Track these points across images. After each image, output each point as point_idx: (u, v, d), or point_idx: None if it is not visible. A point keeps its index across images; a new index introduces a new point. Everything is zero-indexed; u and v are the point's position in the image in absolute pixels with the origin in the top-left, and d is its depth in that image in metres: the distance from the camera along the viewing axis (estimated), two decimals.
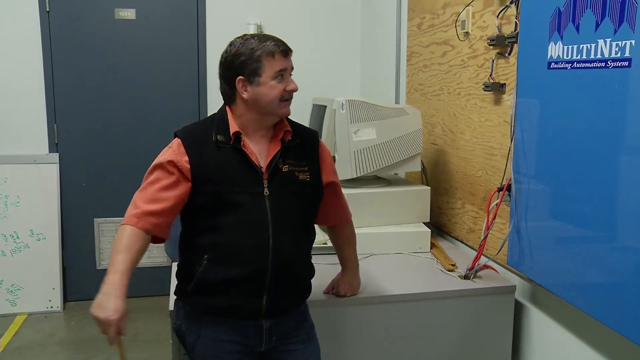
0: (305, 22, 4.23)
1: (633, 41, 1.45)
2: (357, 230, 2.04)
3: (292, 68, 1.73)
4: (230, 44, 1.72)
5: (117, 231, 1.65)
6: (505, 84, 2.26)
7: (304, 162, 1.78)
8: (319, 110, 2.80)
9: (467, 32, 2.54)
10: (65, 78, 4.04)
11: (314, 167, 1.80)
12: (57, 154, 4.09)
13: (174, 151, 1.68)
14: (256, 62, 1.66)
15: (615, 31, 1.50)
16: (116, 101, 4.13)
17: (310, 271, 1.85)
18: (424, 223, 2.62)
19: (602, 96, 1.57)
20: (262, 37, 1.70)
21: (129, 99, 4.14)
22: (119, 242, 1.61)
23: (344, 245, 2.02)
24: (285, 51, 1.69)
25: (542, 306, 2.10)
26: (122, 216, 1.65)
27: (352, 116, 2.53)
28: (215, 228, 1.67)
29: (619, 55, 1.49)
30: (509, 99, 2.21)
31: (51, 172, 4.07)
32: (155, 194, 1.65)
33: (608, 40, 1.53)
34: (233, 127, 1.71)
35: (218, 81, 1.76)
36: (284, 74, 1.69)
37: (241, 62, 1.67)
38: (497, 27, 2.26)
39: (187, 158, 1.66)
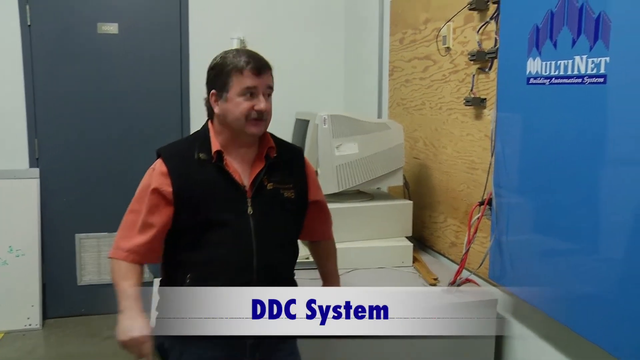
0: (289, 36, 4.25)
1: (608, 58, 1.47)
2: (339, 245, 2.04)
3: (270, 87, 1.70)
4: (214, 58, 1.73)
5: (110, 263, 1.68)
6: (485, 98, 2.28)
7: (289, 179, 1.77)
8: (302, 125, 2.81)
9: (448, 48, 2.56)
10: (47, 92, 4.01)
11: (299, 185, 1.79)
12: (38, 169, 4.04)
13: (156, 176, 1.67)
14: (225, 77, 1.65)
15: (591, 48, 1.52)
16: (98, 116, 4.10)
17: (293, 281, 1.85)
18: (406, 237, 2.62)
19: (579, 111, 1.59)
20: (240, 53, 1.67)
21: (112, 114, 4.12)
22: (118, 273, 1.64)
23: (326, 259, 2.01)
24: (258, 69, 1.65)
25: (524, 319, 2.10)
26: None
27: (334, 131, 2.53)
28: (199, 246, 1.67)
29: (594, 71, 1.52)
30: (489, 113, 2.23)
31: (31, 187, 4.02)
32: (141, 224, 1.66)
33: (584, 56, 1.55)
34: (215, 145, 1.69)
35: (201, 95, 1.76)
36: (253, 92, 1.65)
37: (214, 76, 1.68)
38: (478, 42, 2.28)
39: (169, 181, 1.65)
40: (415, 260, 2.57)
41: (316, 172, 2.29)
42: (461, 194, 2.49)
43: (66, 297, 4.13)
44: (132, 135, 4.14)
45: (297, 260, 1.88)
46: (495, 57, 2.14)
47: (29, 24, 3.92)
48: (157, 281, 1.91)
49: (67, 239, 4.15)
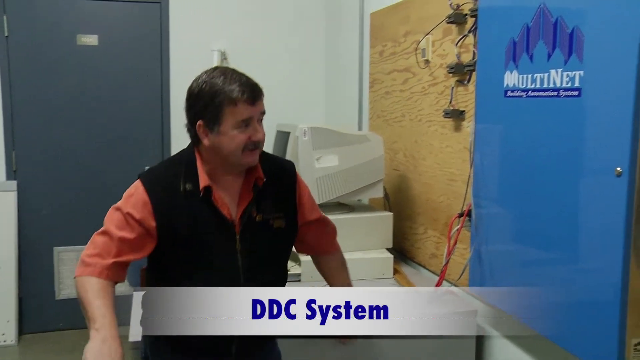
0: (270, 48, 4.25)
1: (582, 72, 1.50)
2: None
3: (263, 112, 1.59)
4: (195, 79, 1.58)
5: (79, 281, 1.52)
6: (464, 111, 2.30)
7: (279, 206, 1.67)
8: (283, 137, 2.81)
9: (427, 60, 2.59)
10: (25, 104, 3.96)
11: (290, 212, 1.71)
12: (16, 181, 3.99)
13: (138, 205, 1.54)
14: (217, 109, 1.51)
15: (566, 62, 1.55)
16: (77, 128, 4.06)
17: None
18: (386, 249, 2.63)
19: (555, 124, 1.61)
20: (229, 78, 1.53)
21: (91, 126, 4.08)
22: (90, 290, 1.47)
23: (337, 271, 1.91)
24: (253, 98, 1.53)
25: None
26: (84, 244, 1.56)
27: (314, 143, 2.54)
28: (184, 283, 1.55)
29: (569, 85, 1.54)
30: (468, 125, 2.25)
31: (9, 200, 3.96)
32: (119, 247, 1.53)
33: (559, 70, 1.57)
34: (203, 180, 1.57)
35: (182, 107, 1.62)
36: (249, 122, 1.54)
37: (202, 106, 1.53)
38: (456, 55, 2.31)
39: (152, 216, 1.54)
40: (395, 272, 2.57)
41: None
42: (441, 205, 2.50)
43: (43, 311, 4.06)
44: (111, 148, 4.11)
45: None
46: (474, 70, 2.16)
47: (6, 34, 3.88)
48: (137, 294, 1.89)
49: (45, 252, 4.09)
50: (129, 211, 1.54)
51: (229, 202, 1.61)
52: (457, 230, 2.15)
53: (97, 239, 1.56)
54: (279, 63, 4.28)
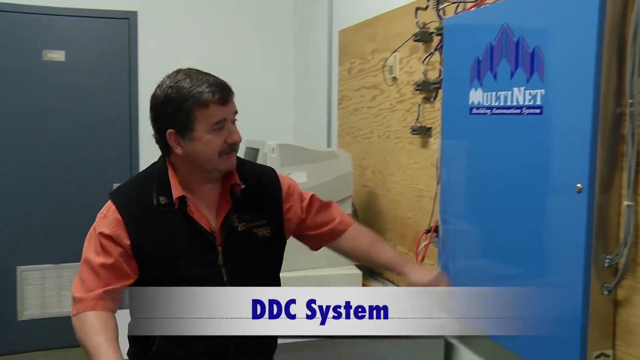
0: (240, 64, 4.25)
1: (543, 90, 1.53)
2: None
3: (236, 112, 1.49)
4: (159, 86, 1.48)
5: (73, 322, 1.43)
6: (431, 127, 2.33)
7: (262, 213, 1.56)
8: (252, 153, 2.81)
9: (394, 77, 2.62)
10: None
11: (275, 218, 1.59)
12: None
13: (110, 222, 1.46)
14: (186, 114, 1.41)
15: (528, 80, 1.58)
16: (43, 145, 3.98)
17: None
18: (355, 265, 2.63)
19: (518, 141, 1.64)
20: (195, 79, 1.43)
21: (57, 143, 4.01)
22: (89, 327, 1.39)
23: (370, 248, 1.70)
24: (224, 98, 1.43)
25: (471, 346, 2.13)
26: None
27: (283, 160, 2.54)
28: None
29: (531, 103, 1.57)
30: (435, 142, 2.27)
31: None
32: (104, 275, 1.45)
33: (522, 88, 1.61)
34: (176, 190, 1.47)
35: (151, 123, 1.52)
36: (223, 124, 1.44)
37: (170, 114, 1.43)
38: (423, 73, 2.34)
39: (125, 234, 1.45)
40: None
41: None
42: (409, 221, 2.52)
43: (5, 333, 3.94)
44: (77, 166, 4.04)
45: None
46: (440, 87, 2.19)
47: None
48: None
49: (8, 271, 3.97)
50: (102, 231, 1.46)
51: (207, 213, 1.51)
52: (425, 246, 2.17)
53: (80, 271, 1.48)
54: (249, 79, 4.27)
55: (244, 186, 1.53)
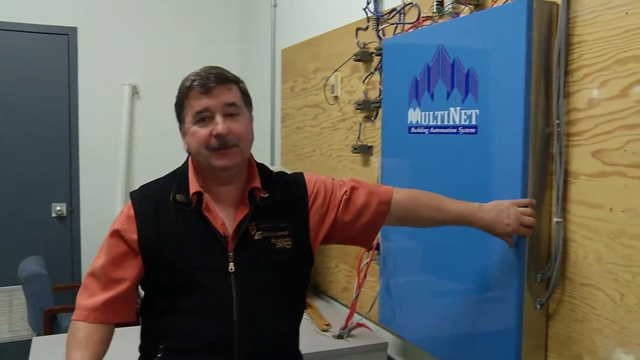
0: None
1: (478, 110, 1.58)
2: None
3: (232, 104, 1.37)
4: None
5: (69, 327, 1.38)
6: (372, 146, 2.36)
7: (284, 223, 1.43)
8: None
9: (336, 96, 2.65)
10: None
11: (299, 228, 1.44)
12: None
13: (122, 219, 1.40)
14: (179, 106, 1.41)
15: (463, 100, 1.63)
16: None
17: (294, 357, 1.51)
18: None
19: (455, 159, 1.68)
20: (195, 72, 1.40)
21: None
22: (72, 339, 1.34)
23: (431, 207, 1.51)
24: (204, 86, 1.35)
25: (410, 358, 2.15)
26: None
27: None
28: (172, 312, 1.37)
29: (467, 122, 1.62)
30: (376, 160, 2.30)
31: None
32: (104, 277, 1.38)
33: (458, 108, 1.66)
34: (193, 186, 1.39)
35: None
36: (206, 116, 1.35)
37: (175, 105, 1.43)
38: (364, 92, 2.38)
39: (134, 227, 1.38)
40: (308, 306, 2.57)
41: None
42: None
43: None
44: (14, 185, 3.87)
45: None
46: (380, 107, 2.23)
47: None
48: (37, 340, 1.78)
49: None
50: (115, 228, 1.41)
51: (225, 217, 1.40)
52: (367, 263, 2.19)
53: (86, 275, 1.43)
54: None
55: (267, 194, 1.42)
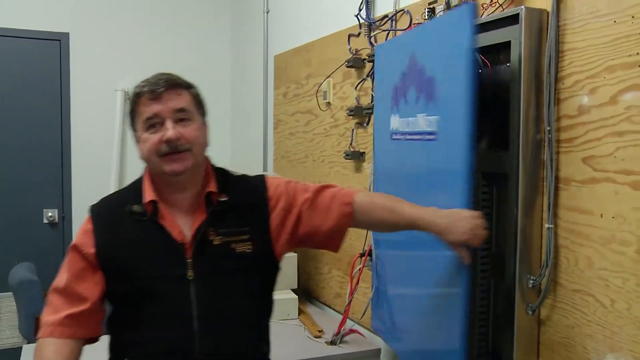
0: None
1: (437, 116, 1.55)
2: None
3: (181, 110, 1.36)
4: None
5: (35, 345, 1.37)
6: (364, 152, 2.36)
7: (244, 227, 1.40)
8: None
9: (328, 103, 2.65)
10: None
11: (259, 232, 1.42)
12: None
13: (80, 233, 1.40)
14: (130, 113, 1.40)
15: (427, 107, 1.60)
16: None
17: None
18: (292, 290, 2.62)
19: (424, 165, 1.66)
20: (149, 77, 1.40)
21: None
22: (37, 356, 1.33)
23: (386, 208, 1.45)
24: (152, 92, 1.34)
25: None
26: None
27: None
28: (134, 323, 1.36)
29: (430, 128, 1.59)
30: (368, 166, 2.31)
31: None
32: (66, 292, 1.37)
33: (423, 114, 1.62)
34: (148, 195, 1.38)
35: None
36: (156, 122, 1.34)
37: (128, 114, 1.42)
38: (356, 98, 2.38)
39: (92, 241, 1.38)
40: (301, 312, 2.56)
41: None
42: (344, 245, 2.52)
43: None
44: (6, 190, 3.86)
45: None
46: (372, 113, 2.23)
47: None
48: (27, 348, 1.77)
49: None
50: (73, 243, 1.40)
51: (184, 224, 1.38)
52: (359, 269, 2.18)
53: (49, 294, 1.41)
54: None
55: (225, 198, 1.41)
